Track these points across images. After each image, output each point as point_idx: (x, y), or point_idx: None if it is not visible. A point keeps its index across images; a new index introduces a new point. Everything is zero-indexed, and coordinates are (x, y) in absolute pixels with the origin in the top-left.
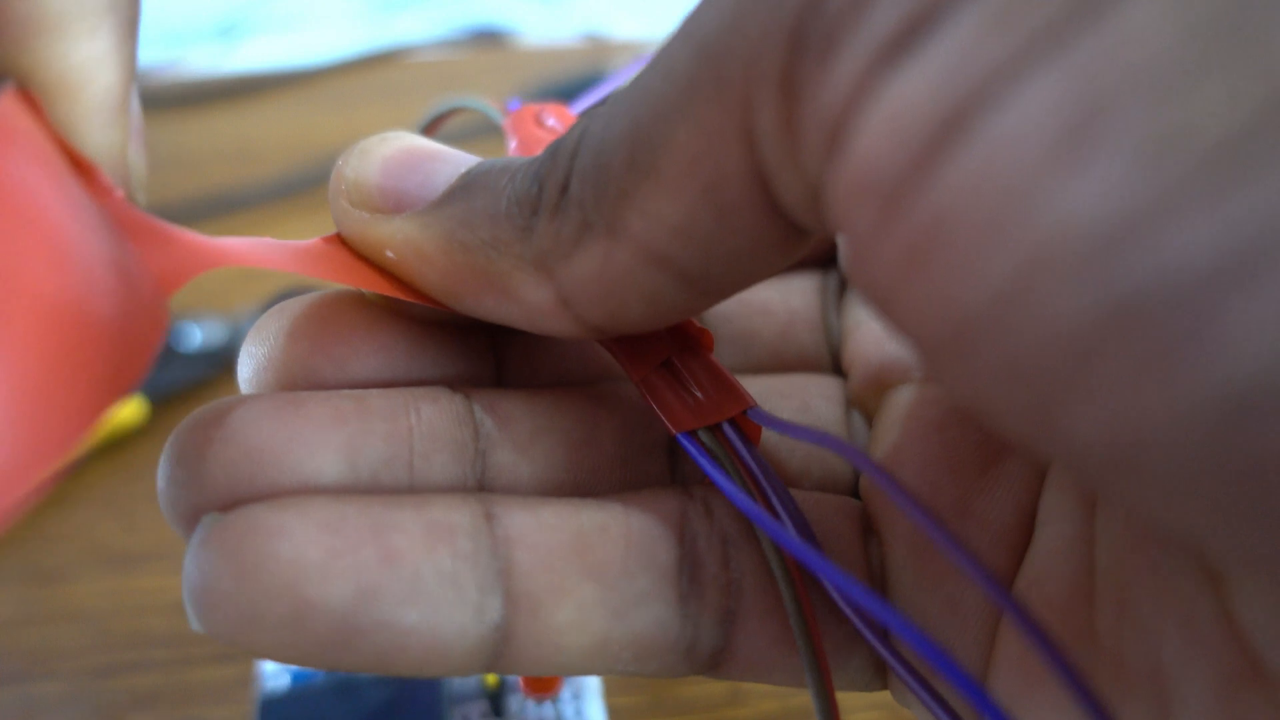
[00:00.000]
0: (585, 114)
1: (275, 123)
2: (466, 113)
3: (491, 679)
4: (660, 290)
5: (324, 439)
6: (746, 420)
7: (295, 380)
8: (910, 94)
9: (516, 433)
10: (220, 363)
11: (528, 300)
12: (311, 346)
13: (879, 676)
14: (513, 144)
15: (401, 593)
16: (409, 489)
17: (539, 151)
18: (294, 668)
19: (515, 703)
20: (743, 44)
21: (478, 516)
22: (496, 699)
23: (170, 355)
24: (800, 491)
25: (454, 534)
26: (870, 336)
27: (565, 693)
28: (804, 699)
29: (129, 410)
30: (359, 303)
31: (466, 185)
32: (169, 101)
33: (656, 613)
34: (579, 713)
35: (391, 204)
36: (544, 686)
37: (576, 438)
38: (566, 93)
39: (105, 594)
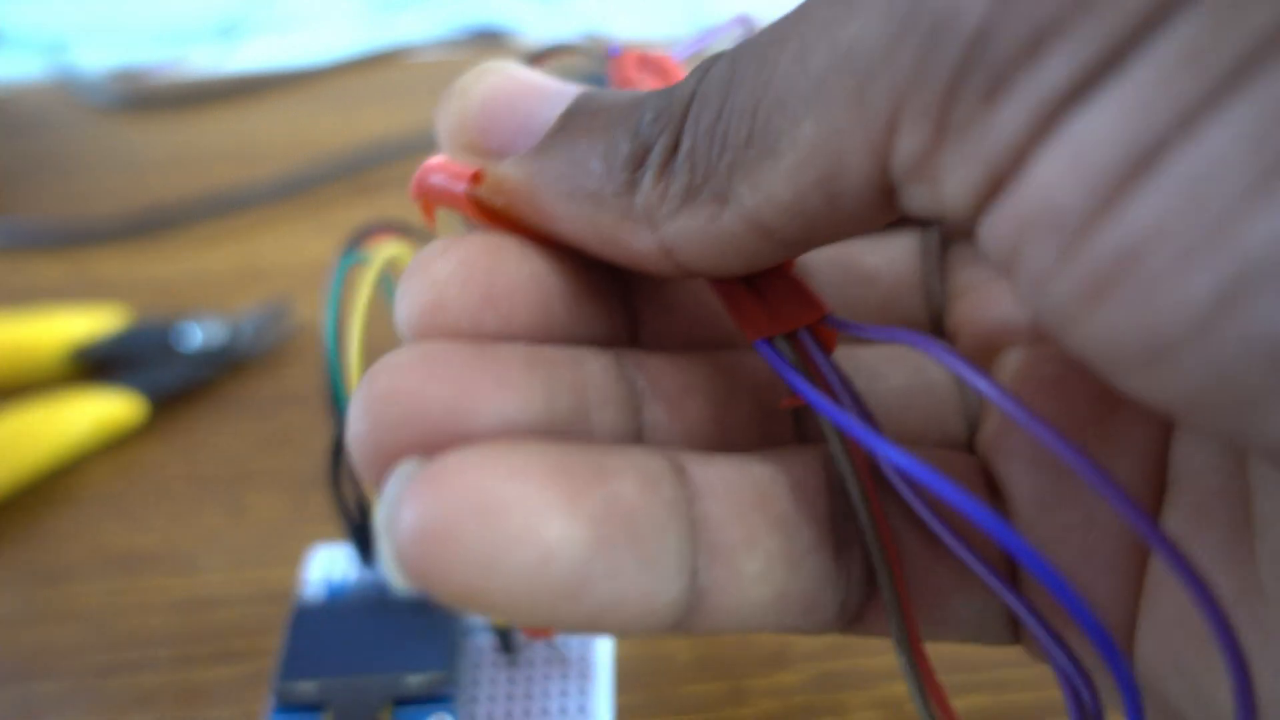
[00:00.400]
0: (697, 70)
1: (275, 123)
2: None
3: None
4: (759, 249)
5: (523, 383)
6: (823, 329)
7: (462, 328)
8: (1096, 133)
9: (666, 390)
10: (220, 362)
11: (631, 248)
12: (481, 298)
13: (1010, 628)
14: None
15: (627, 539)
16: (588, 438)
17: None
18: (334, 581)
19: (521, 639)
20: (894, 71)
21: (671, 467)
22: (505, 634)
23: (170, 355)
24: (918, 449)
25: (660, 482)
26: (979, 300)
27: (573, 671)
28: (805, 698)
29: (129, 410)
30: (514, 252)
31: (567, 129)
32: (169, 101)
33: (822, 564)
34: (584, 645)
35: (495, 146)
36: (540, 630)
37: (718, 397)
38: None
39: (106, 594)
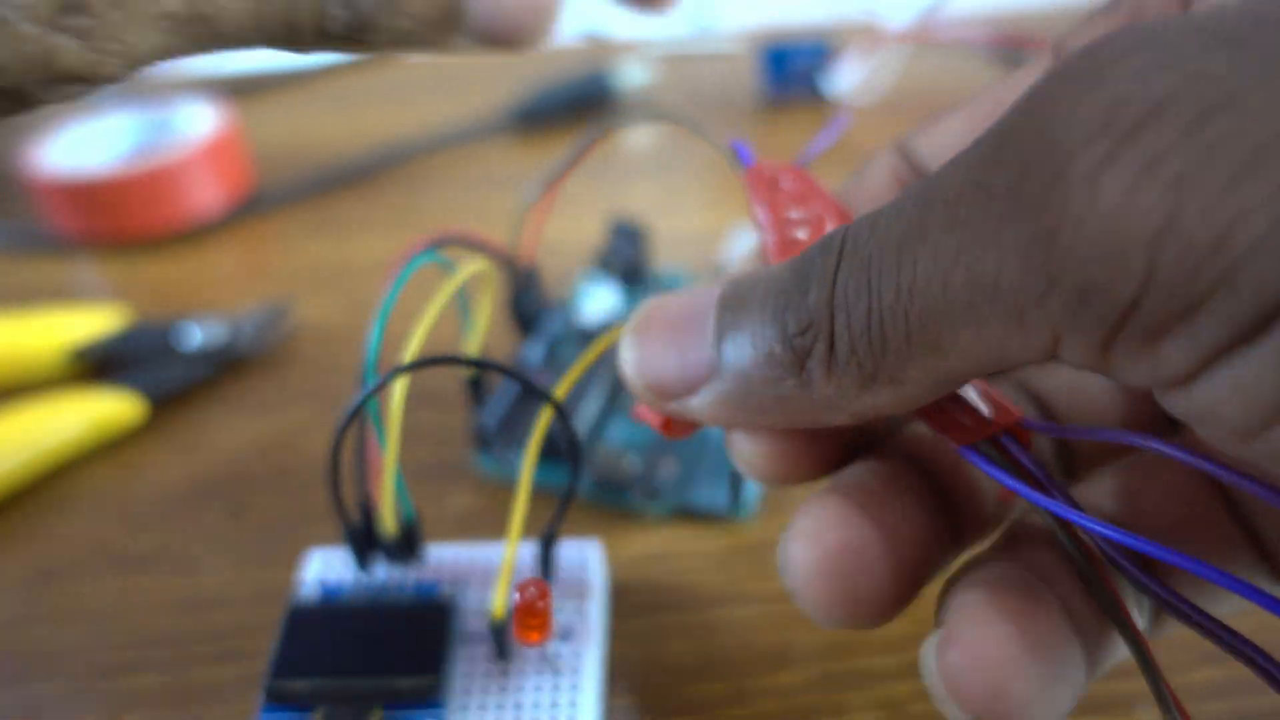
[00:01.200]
0: (821, 272)
1: (275, 123)
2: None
3: (498, 614)
4: (941, 394)
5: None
6: (1020, 430)
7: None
8: (1253, 375)
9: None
10: (220, 362)
11: (825, 424)
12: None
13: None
14: (761, 214)
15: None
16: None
17: (788, 224)
18: (330, 582)
19: (513, 646)
20: (1048, 313)
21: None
22: (501, 641)
23: (170, 355)
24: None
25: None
26: None
27: (564, 680)
28: (806, 698)
29: (129, 410)
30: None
31: (725, 357)
32: None
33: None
34: (576, 655)
35: (682, 391)
36: (534, 633)
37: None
38: (567, 92)
39: (105, 594)
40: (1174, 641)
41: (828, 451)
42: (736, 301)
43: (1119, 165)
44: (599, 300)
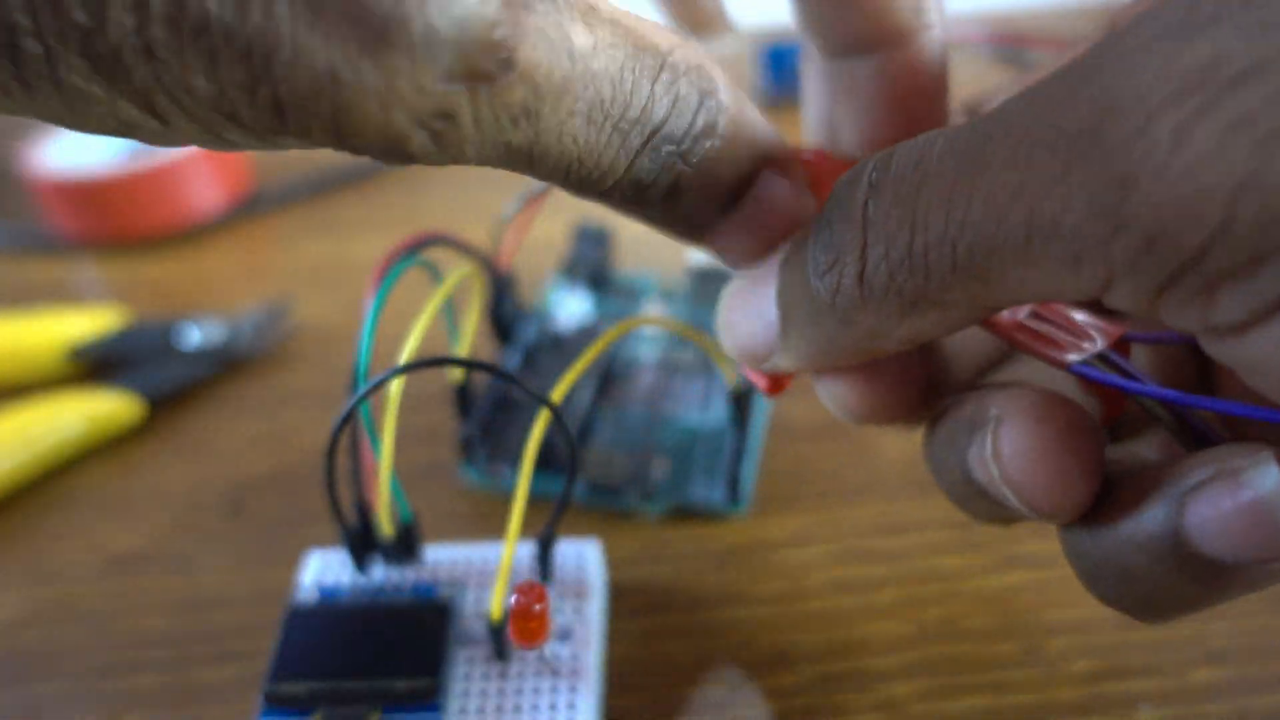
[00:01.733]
0: (846, 206)
1: None
2: None
3: (496, 616)
4: (991, 313)
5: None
6: (1121, 344)
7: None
8: None
9: None
10: (218, 362)
11: (890, 351)
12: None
13: None
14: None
15: None
16: None
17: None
18: (327, 584)
19: (512, 647)
20: (1108, 258)
21: None
22: (499, 642)
23: (169, 355)
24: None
25: None
26: None
27: (562, 682)
28: (806, 699)
29: (127, 410)
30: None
31: (783, 313)
32: None
33: None
34: (575, 657)
35: (765, 350)
36: (530, 636)
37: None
38: None
39: (104, 594)
40: (1174, 641)
41: (917, 391)
42: (784, 283)
43: (1210, 119)
44: (571, 306)
